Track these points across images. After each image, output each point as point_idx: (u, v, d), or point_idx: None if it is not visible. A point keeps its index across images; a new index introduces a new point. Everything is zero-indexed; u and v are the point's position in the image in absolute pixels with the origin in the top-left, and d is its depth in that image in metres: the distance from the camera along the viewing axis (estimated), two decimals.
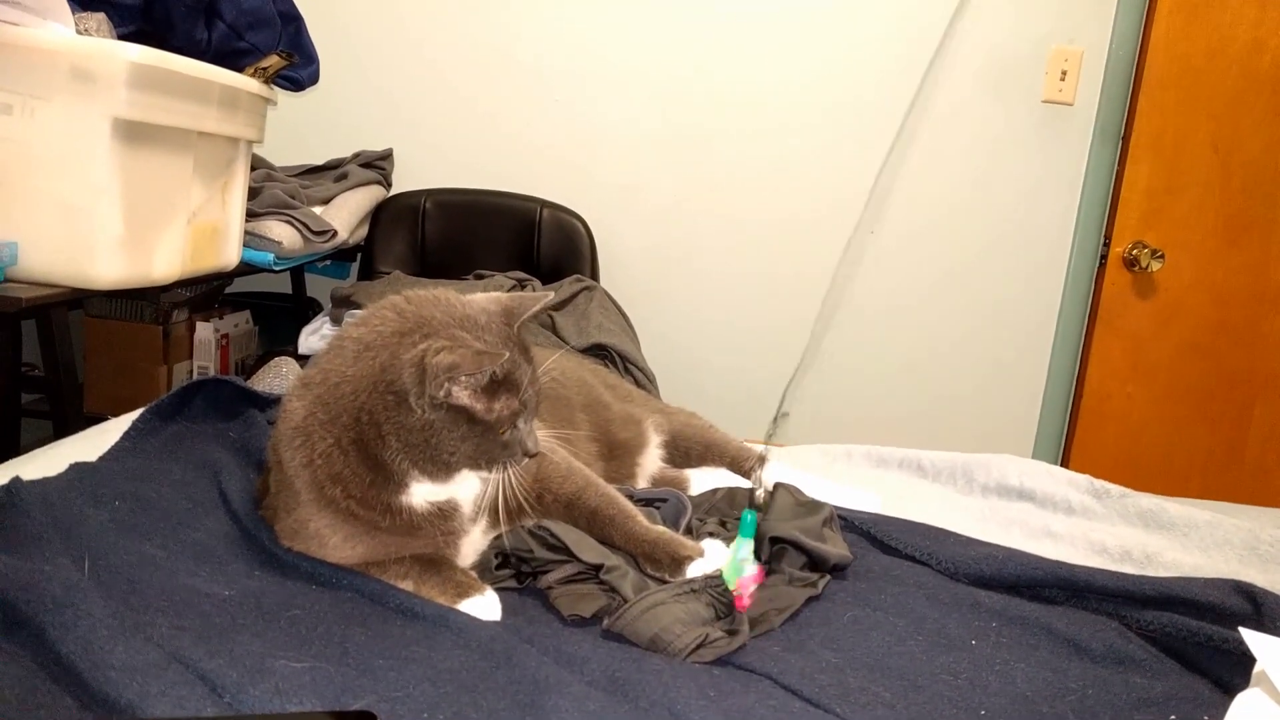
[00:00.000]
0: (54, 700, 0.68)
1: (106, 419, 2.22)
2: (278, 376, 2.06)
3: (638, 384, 2.07)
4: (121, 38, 1.40)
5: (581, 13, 2.56)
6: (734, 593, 0.94)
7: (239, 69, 1.57)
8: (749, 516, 0.97)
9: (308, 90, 1.85)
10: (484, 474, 0.96)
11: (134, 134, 1.32)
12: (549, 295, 1.04)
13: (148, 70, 1.31)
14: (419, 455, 0.91)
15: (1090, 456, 2.65)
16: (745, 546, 0.96)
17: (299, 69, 1.70)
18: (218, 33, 1.54)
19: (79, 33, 1.28)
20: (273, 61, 1.59)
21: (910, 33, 2.52)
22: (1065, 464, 2.69)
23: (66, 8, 1.24)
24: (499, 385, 0.91)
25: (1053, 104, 2.54)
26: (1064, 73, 2.53)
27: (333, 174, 2.46)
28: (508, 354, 0.91)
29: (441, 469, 0.93)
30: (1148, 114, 2.50)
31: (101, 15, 1.34)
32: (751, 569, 0.96)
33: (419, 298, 0.98)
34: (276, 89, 1.72)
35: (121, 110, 1.29)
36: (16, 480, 0.92)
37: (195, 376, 2.37)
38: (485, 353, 0.88)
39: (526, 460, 0.98)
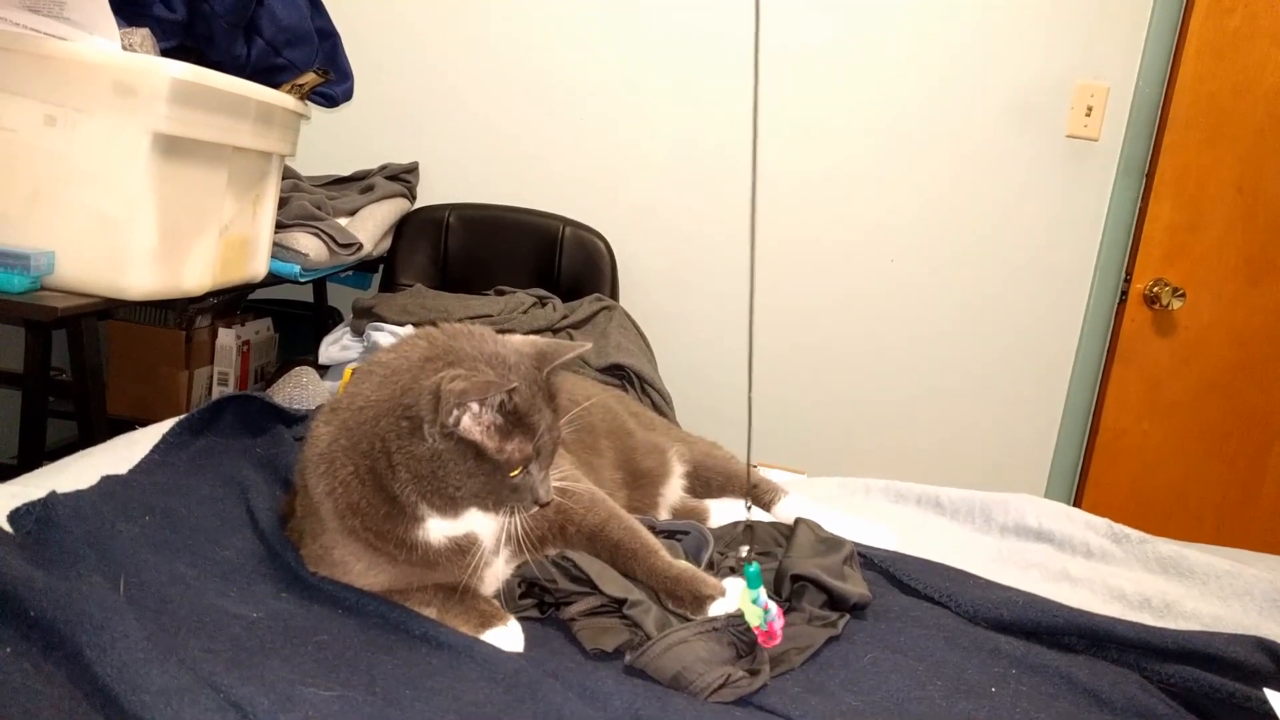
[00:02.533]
0: None
1: (128, 421, 2.24)
2: (297, 386, 2.07)
3: (655, 406, 2.08)
4: (163, 52, 1.41)
5: (609, 35, 2.58)
6: (761, 628, 0.94)
7: (276, 85, 1.58)
8: (752, 569, 0.96)
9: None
10: (490, 515, 0.95)
11: (172, 148, 1.34)
12: (585, 345, 1.04)
13: (188, 86, 1.32)
14: (425, 487, 0.91)
15: (1104, 492, 2.64)
16: (759, 594, 0.96)
17: (334, 85, 1.72)
18: (257, 49, 1.56)
19: (124, 48, 1.30)
20: (309, 78, 1.61)
21: (936, 63, 2.53)
22: (1079, 499, 2.68)
23: (113, 23, 1.26)
24: (513, 426, 0.91)
25: (1077, 139, 2.55)
26: (1089, 108, 2.53)
27: (359, 185, 2.48)
28: (517, 383, 0.90)
29: (447, 503, 0.92)
30: (1172, 151, 2.50)
31: (146, 30, 1.36)
32: (774, 608, 0.96)
33: (454, 330, 0.99)
34: (310, 104, 1.74)
35: (161, 125, 1.30)
36: (53, 495, 0.93)
37: (215, 382, 2.39)
38: (493, 381, 0.89)
39: (536, 508, 0.97)
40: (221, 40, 1.50)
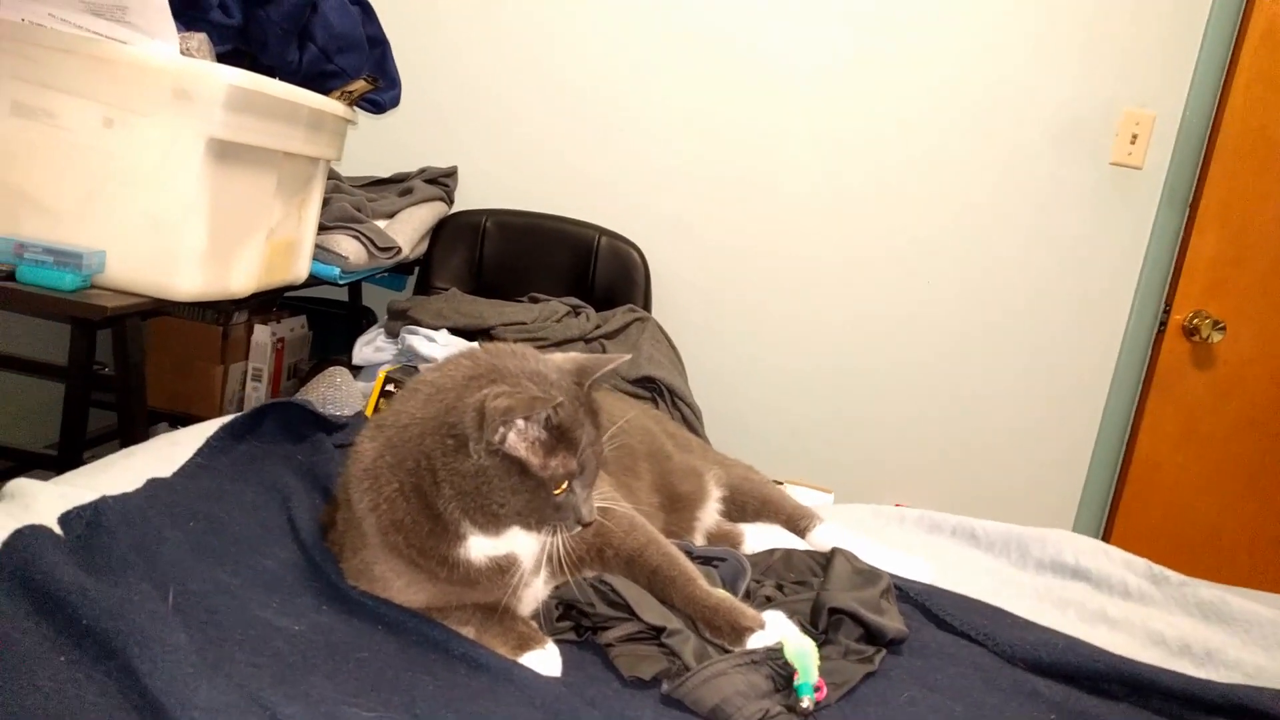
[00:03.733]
0: None
1: (163, 414, 2.27)
2: (331, 386, 2.08)
3: (684, 419, 2.08)
4: (218, 56, 1.43)
5: (650, 47, 2.58)
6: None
7: (326, 91, 1.59)
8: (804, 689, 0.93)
9: None
10: (534, 534, 0.94)
11: (225, 153, 1.35)
12: (624, 357, 1.04)
13: (244, 93, 1.33)
14: (469, 504, 0.91)
15: (1135, 524, 2.62)
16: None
17: (382, 93, 1.73)
18: (309, 55, 1.57)
19: (182, 52, 1.31)
20: (359, 85, 1.62)
21: (982, 84, 2.51)
22: (1108, 530, 2.65)
23: (173, 28, 1.27)
24: (556, 441, 0.91)
25: (1121, 167, 2.52)
26: (1134, 136, 2.50)
27: (398, 188, 2.49)
28: (561, 399, 0.90)
29: (490, 521, 0.92)
30: (1218, 182, 2.48)
31: (203, 35, 1.37)
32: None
33: (496, 349, 1.00)
34: (358, 110, 1.75)
35: (216, 130, 1.31)
36: (104, 500, 0.93)
37: (249, 378, 2.41)
38: (539, 398, 0.89)
39: (579, 529, 0.96)
40: (276, 46, 1.51)
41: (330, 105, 1.58)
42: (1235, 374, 2.53)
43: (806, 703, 0.90)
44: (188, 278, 1.36)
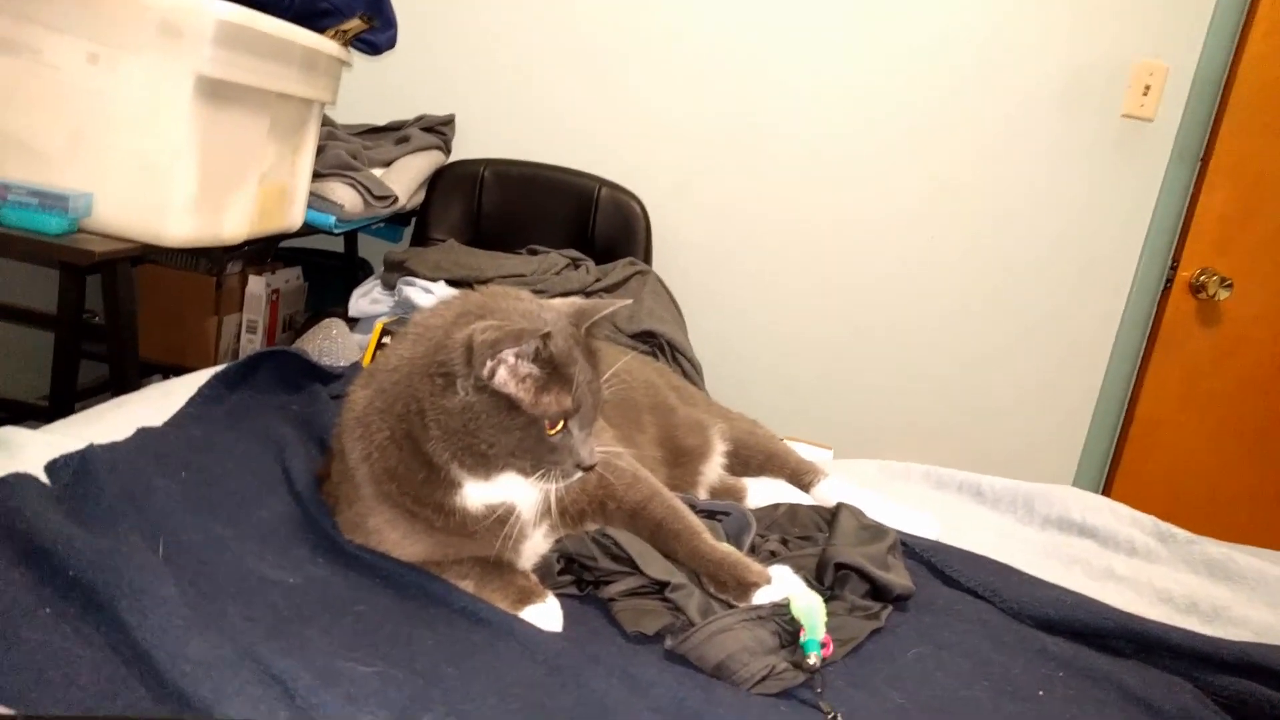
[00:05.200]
0: (129, 690, 0.67)
1: (156, 365, 2.23)
2: (327, 338, 2.05)
3: (684, 373, 2.05)
4: None
5: None
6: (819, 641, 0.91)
7: (320, 29, 1.54)
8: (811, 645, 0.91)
9: None
10: (530, 479, 0.90)
11: (215, 92, 1.30)
12: (624, 301, 1.01)
13: (234, 28, 1.28)
14: (457, 444, 0.87)
15: (1135, 482, 2.60)
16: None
17: (378, 33, 1.67)
18: None
19: None
20: (354, 24, 1.57)
21: (989, 34, 2.45)
22: (1109, 486, 2.64)
23: None
24: (549, 378, 0.87)
25: (1132, 119, 2.47)
26: (1147, 88, 2.45)
27: (394, 136, 2.44)
28: (549, 330, 0.87)
29: (480, 462, 0.88)
30: (1230, 137, 2.43)
31: None
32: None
33: (492, 290, 0.97)
34: (353, 51, 1.69)
35: (205, 68, 1.27)
36: (90, 448, 0.91)
37: (244, 329, 2.37)
38: (525, 329, 0.85)
39: (579, 474, 0.92)
40: None
41: (324, 44, 1.52)
42: (1240, 332, 2.50)
43: (813, 659, 0.88)
44: (178, 222, 1.32)
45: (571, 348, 0.90)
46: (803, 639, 0.91)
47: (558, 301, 0.98)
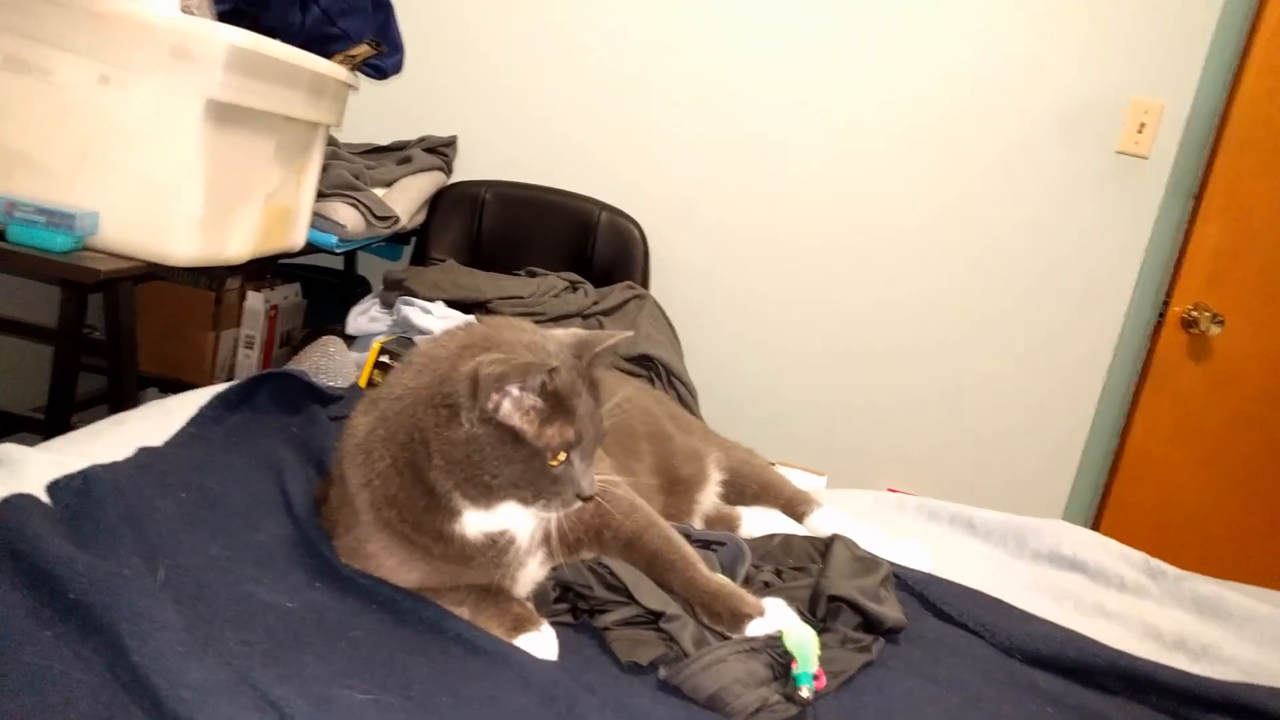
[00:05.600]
0: (127, 715, 0.67)
1: (154, 379, 2.24)
2: (324, 356, 2.06)
3: (680, 399, 2.06)
4: (219, 15, 1.39)
5: (654, 22, 2.54)
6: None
7: (328, 54, 1.56)
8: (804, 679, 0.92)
9: None
10: (529, 509, 0.91)
11: (224, 115, 1.32)
12: (626, 334, 1.02)
13: (245, 54, 1.30)
14: (461, 475, 0.88)
15: (1125, 514, 2.62)
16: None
17: (385, 58, 1.69)
18: (311, 16, 1.53)
19: (182, 9, 1.28)
20: (362, 49, 1.59)
21: (989, 68, 2.48)
22: (1098, 519, 2.66)
23: None
24: (552, 410, 0.89)
25: (1127, 155, 2.50)
26: (1142, 125, 2.48)
27: (396, 156, 2.46)
28: (556, 363, 0.88)
29: (483, 493, 0.89)
30: (1224, 174, 2.46)
31: None
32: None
33: (495, 321, 0.98)
34: (360, 75, 1.71)
35: (215, 91, 1.28)
36: (94, 469, 0.91)
37: (242, 344, 2.38)
38: (533, 363, 0.87)
39: (579, 504, 0.93)
40: (278, 6, 1.47)
41: (332, 69, 1.54)
42: (1232, 368, 2.52)
43: (805, 692, 0.89)
44: (183, 242, 1.33)
45: (575, 380, 0.91)
46: (795, 671, 0.91)
47: (560, 332, 0.99)
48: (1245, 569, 2.53)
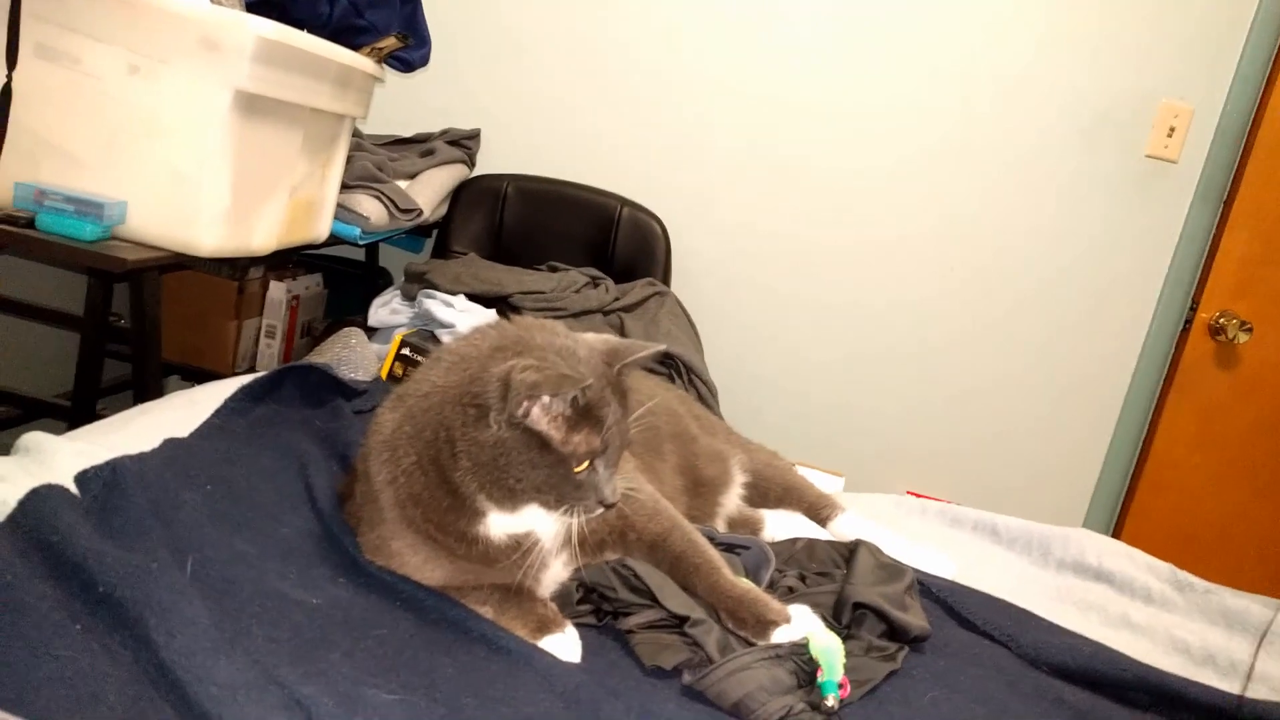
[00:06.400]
0: (155, 710, 0.67)
1: (176, 366, 2.25)
2: (345, 348, 2.05)
3: (700, 397, 2.05)
4: (247, 6, 1.39)
5: (682, 19, 2.52)
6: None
7: (355, 46, 1.56)
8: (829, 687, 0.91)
9: None
10: (552, 513, 0.91)
11: (252, 106, 1.32)
12: (659, 347, 1.00)
13: (273, 45, 1.30)
14: (486, 477, 0.88)
15: (1146, 522, 2.59)
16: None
17: (412, 50, 1.69)
18: (339, 8, 1.53)
19: (211, 1, 1.27)
20: (389, 42, 1.58)
21: (1014, 69, 2.45)
22: (1119, 527, 2.63)
23: None
24: (581, 418, 0.88)
25: (1156, 159, 2.47)
26: (1171, 129, 2.45)
27: (420, 148, 2.45)
28: (591, 380, 0.88)
29: (507, 495, 0.89)
30: (1254, 181, 2.43)
31: None
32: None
33: (526, 322, 0.97)
34: (386, 68, 1.71)
35: (244, 83, 1.28)
36: (121, 460, 0.91)
37: (263, 334, 2.39)
38: (569, 376, 0.86)
39: (601, 510, 0.93)
40: None
41: (359, 61, 1.54)
42: (1258, 376, 2.50)
43: (831, 701, 0.88)
44: (209, 233, 1.33)
45: (604, 389, 0.91)
46: (820, 679, 0.91)
47: (591, 337, 0.98)
48: (1268, 577, 2.52)
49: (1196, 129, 2.44)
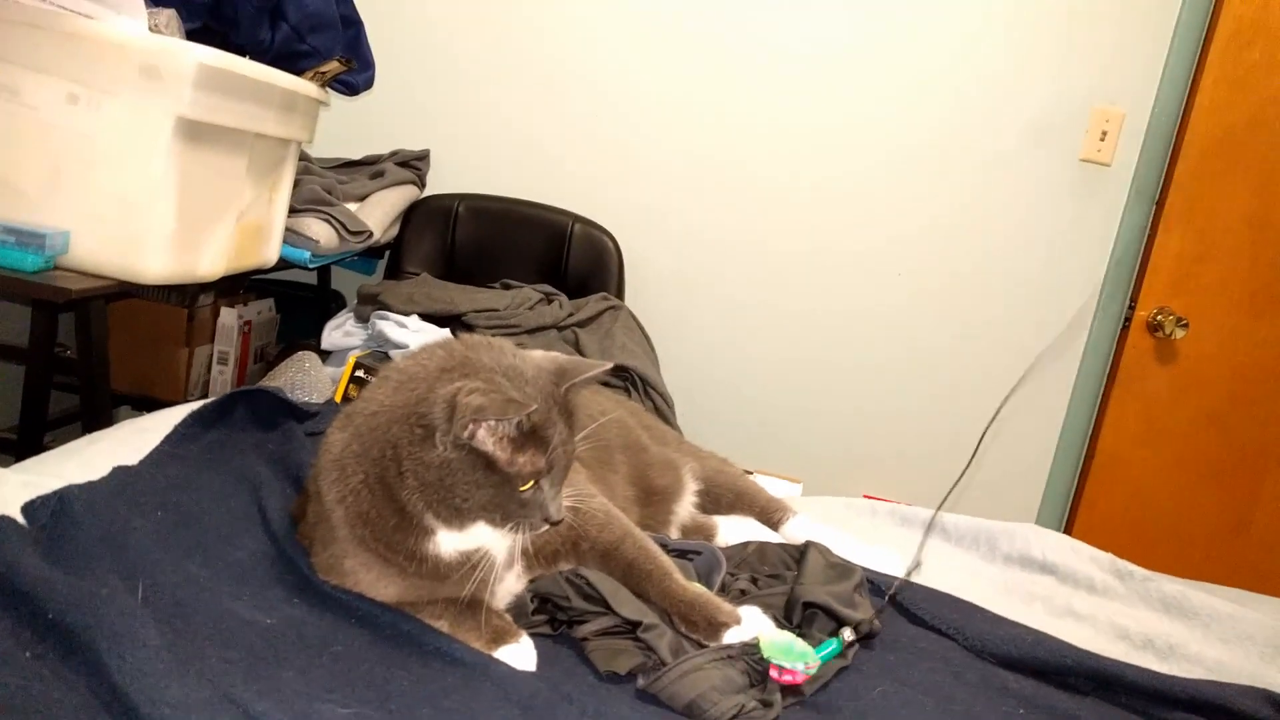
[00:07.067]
0: None
1: (127, 397, 2.22)
2: (300, 371, 2.05)
3: (656, 409, 2.08)
4: (187, 34, 1.39)
5: (625, 34, 2.56)
6: (788, 669, 0.93)
7: (298, 71, 1.56)
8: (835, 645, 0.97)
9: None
10: (498, 530, 0.93)
11: (195, 133, 1.32)
12: (605, 365, 1.02)
13: (214, 72, 1.30)
14: (433, 496, 0.89)
15: (1097, 516, 2.66)
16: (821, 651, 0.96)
17: (355, 74, 1.70)
18: (281, 34, 1.54)
19: (150, 28, 1.28)
20: (332, 66, 1.59)
21: (955, 78, 2.52)
22: (1071, 521, 2.69)
23: (141, 4, 1.24)
24: (526, 438, 0.90)
25: (1090, 163, 2.54)
26: (1104, 133, 2.53)
27: (369, 170, 2.46)
28: (537, 405, 0.89)
29: (454, 514, 0.90)
30: (1185, 181, 2.51)
31: (172, 11, 1.34)
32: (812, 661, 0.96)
33: (473, 341, 0.98)
34: (331, 92, 1.72)
35: (185, 110, 1.28)
36: (69, 489, 0.91)
37: (215, 360, 2.37)
38: (514, 401, 0.88)
39: (546, 527, 0.95)
40: (247, 24, 1.48)
41: (302, 86, 1.55)
42: (1196, 370, 2.57)
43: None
44: (155, 260, 1.33)
45: (550, 409, 0.92)
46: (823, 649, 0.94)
47: (540, 356, 0.99)
48: (1215, 566, 2.59)
49: (1128, 132, 2.52)
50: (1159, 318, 2.54)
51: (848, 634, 0.94)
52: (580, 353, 2.13)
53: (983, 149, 2.55)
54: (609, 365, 1.02)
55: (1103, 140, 2.53)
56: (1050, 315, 2.61)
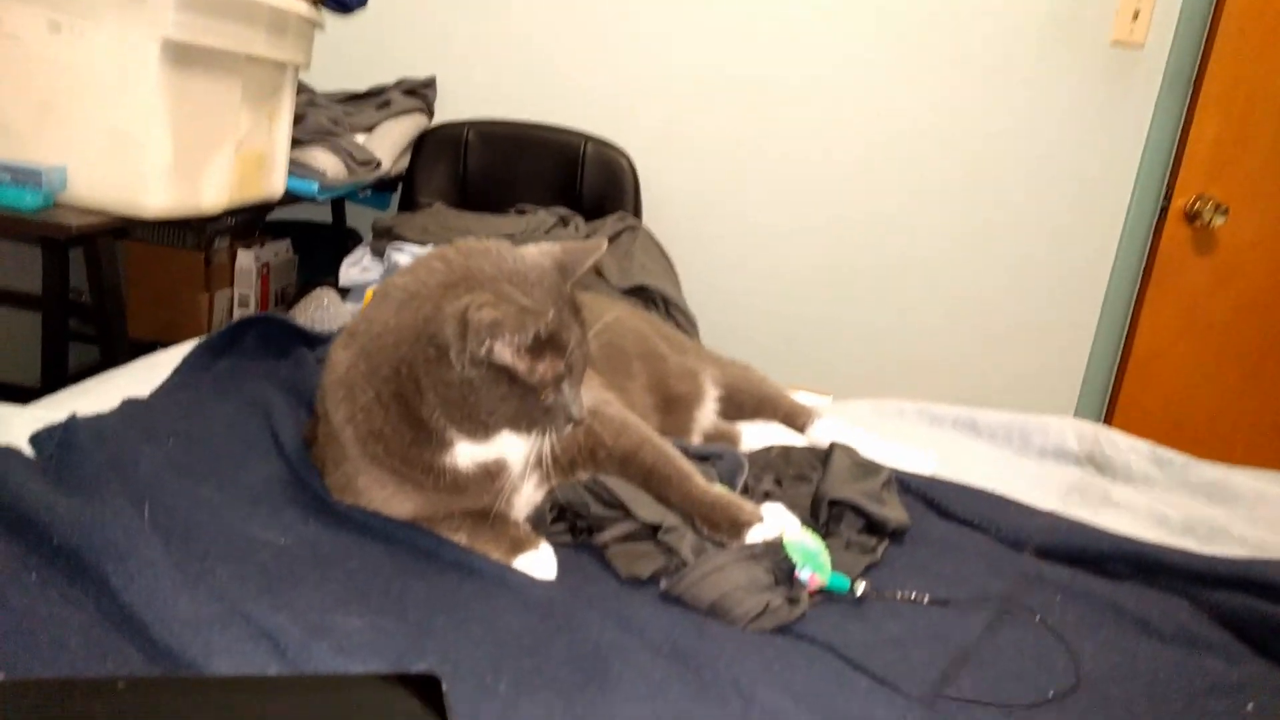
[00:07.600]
0: (119, 651, 0.67)
1: (151, 344, 2.23)
2: (319, 308, 2.05)
3: (679, 327, 2.05)
4: None
5: None
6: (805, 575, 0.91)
7: None
8: (844, 583, 0.94)
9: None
10: (523, 436, 0.92)
11: (183, 57, 1.28)
12: (601, 245, 0.99)
13: None
14: (456, 413, 0.88)
15: (1135, 414, 2.60)
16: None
17: None
18: None
19: None
20: None
21: None
22: (1109, 417, 2.64)
23: None
24: (543, 346, 0.87)
25: (1122, 46, 2.43)
26: (1136, 12, 2.41)
27: (375, 101, 2.41)
28: (552, 312, 0.87)
29: (479, 428, 0.89)
30: (1222, 61, 2.39)
31: None
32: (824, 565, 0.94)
33: (469, 248, 0.94)
34: (324, 11, 1.67)
35: (170, 31, 1.24)
36: (73, 418, 0.90)
37: (236, 304, 2.37)
38: (529, 310, 0.85)
39: (570, 427, 0.93)
40: None
41: (292, 4, 1.50)
42: (1236, 259, 2.48)
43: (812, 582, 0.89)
44: (155, 193, 1.31)
45: (562, 310, 0.89)
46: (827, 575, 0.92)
47: (535, 253, 0.95)
48: (1257, 459, 2.51)
49: (1161, 11, 2.40)
50: (1197, 205, 2.45)
51: (860, 588, 0.91)
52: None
53: (1010, 34, 2.44)
54: (605, 245, 0.98)
55: (1135, 20, 2.41)
56: (1082, 208, 2.52)
